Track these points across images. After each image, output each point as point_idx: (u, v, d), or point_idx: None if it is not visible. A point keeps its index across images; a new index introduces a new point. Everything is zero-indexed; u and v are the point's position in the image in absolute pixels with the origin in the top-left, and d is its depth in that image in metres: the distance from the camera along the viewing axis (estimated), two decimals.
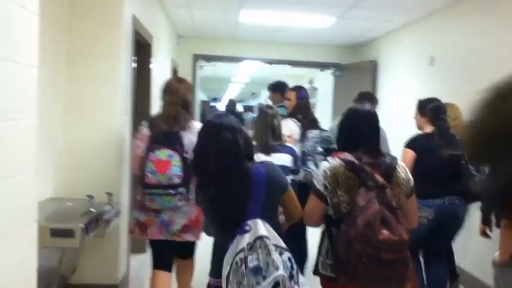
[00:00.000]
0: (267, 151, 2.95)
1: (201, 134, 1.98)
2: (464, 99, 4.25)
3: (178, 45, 7.28)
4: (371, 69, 6.80)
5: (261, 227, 1.81)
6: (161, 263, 2.81)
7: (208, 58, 7.70)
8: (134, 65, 3.82)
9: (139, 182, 2.64)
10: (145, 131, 2.75)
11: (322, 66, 8.05)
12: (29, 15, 1.74)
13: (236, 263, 1.74)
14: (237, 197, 1.88)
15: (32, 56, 1.79)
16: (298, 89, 4.12)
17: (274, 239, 1.81)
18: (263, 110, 3.17)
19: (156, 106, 4.95)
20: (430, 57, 5.11)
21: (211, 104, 20.82)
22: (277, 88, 4.83)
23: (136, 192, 2.89)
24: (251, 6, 5.27)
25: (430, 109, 3.42)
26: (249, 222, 1.82)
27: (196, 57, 7.57)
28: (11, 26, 1.60)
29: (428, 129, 3.39)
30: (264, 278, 1.69)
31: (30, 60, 1.77)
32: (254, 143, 2.67)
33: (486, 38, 4.06)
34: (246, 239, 1.78)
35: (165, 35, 5.79)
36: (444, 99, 4.72)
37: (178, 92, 2.78)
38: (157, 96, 5.00)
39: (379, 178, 1.89)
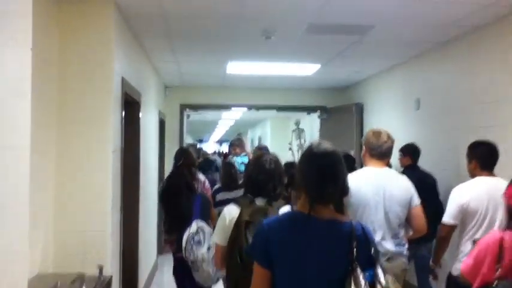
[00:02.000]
0: (229, 189, 4.25)
1: None
2: (450, 143, 4.37)
3: (165, 96, 7.30)
4: (357, 111, 6.88)
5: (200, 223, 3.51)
6: None
7: (196, 107, 7.73)
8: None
9: None
10: None
11: (308, 109, 8.14)
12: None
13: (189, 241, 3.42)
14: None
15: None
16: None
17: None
18: (225, 163, 4.93)
19: (144, 161, 4.94)
20: (416, 99, 5.18)
21: (198, 145, 20.81)
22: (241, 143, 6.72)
23: None
24: (238, 59, 5.34)
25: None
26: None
27: (184, 107, 7.59)
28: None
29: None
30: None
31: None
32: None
33: (471, 82, 4.14)
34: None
35: (152, 88, 5.81)
36: (430, 143, 4.81)
37: None
38: (145, 151, 5.05)
39: None
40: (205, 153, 11.16)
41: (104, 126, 3.29)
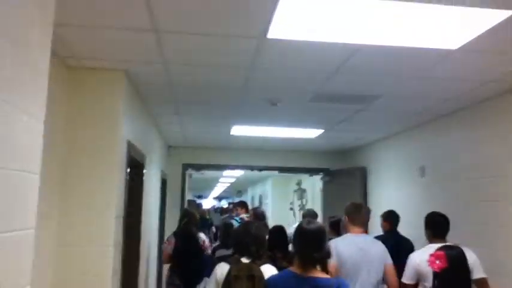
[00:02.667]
0: (227, 247, 4.34)
1: None
2: (455, 213, 4.32)
3: (168, 155, 7.32)
4: (360, 175, 6.86)
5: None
6: None
7: (198, 167, 7.73)
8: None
9: None
10: None
11: (311, 171, 8.12)
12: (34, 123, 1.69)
13: None
14: None
15: (35, 163, 1.72)
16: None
17: None
18: (224, 223, 5.49)
19: (145, 222, 4.87)
20: (421, 167, 5.17)
21: (197, 201, 20.62)
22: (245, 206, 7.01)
23: None
24: (243, 123, 5.40)
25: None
26: None
27: (186, 166, 7.59)
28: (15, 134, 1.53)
29: None
30: None
31: (34, 168, 1.70)
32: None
33: (475, 153, 4.15)
34: None
35: (156, 148, 5.83)
36: (435, 210, 4.75)
37: None
38: (147, 212, 4.99)
39: None
40: (201, 211, 11.15)
41: (108, 191, 3.26)
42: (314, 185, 9.44)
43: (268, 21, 2.43)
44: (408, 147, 5.64)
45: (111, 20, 2.51)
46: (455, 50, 2.81)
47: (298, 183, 11.02)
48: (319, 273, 2.32)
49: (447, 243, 3.26)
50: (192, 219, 5.07)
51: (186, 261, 4.79)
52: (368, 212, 3.72)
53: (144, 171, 4.56)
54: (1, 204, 1.44)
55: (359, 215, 3.48)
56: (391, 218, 4.72)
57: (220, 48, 2.91)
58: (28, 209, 1.70)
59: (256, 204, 16.83)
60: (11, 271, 1.55)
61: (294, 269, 2.38)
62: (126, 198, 3.67)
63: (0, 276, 1.46)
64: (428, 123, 5.03)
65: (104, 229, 3.23)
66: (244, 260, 2.83)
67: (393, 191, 5.94)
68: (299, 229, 2.45)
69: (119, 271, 3.47)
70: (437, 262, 3.00)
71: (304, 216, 6.04)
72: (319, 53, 2.95)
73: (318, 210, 8.24)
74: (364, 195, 6.79)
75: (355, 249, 3.30)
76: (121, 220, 3.52)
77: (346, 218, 3.51)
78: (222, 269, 2.87)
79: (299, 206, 10.95)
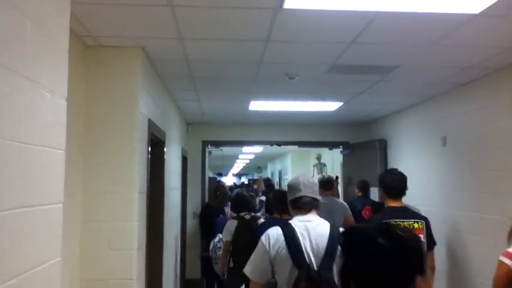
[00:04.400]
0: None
1: None
2: (476, 182, 4.29)
3: (187, 132, 7.38)
4: (380, 147, 6.81)
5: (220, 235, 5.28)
6: None
7: (217, 144, 7.79)
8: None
9: None
10: None
11: (330, 145, 8.10)
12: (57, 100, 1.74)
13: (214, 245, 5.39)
14: None
15: (60, 139, 1.78)
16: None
17: None
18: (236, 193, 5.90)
19: (168, 199, 4.96)
20: (442, 137, 5.10)
21: (218, 178, 20.84)
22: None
23: None
24: (261, 98, 5.40)
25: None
26: None
27: (205, 143, 7.65)
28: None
29: None
30: None
31: (59, 144, 1.76)
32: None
33: (498, 121, 4.07)
34: None
35: (175, 125, 5.88)
36: (457, 181, 4.73)
37: None
38: (169, 188, 5.08)
39: None
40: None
41: (130, 167, 3.31)
42: (334, 158, 9.42)
43: None
44: (428, 118, 5.56)
45: None
46: (476, 14, 2.74)
47: (318, 158, 11.01)
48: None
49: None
50: (224, 192, 7.34)
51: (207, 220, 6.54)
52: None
53: (165, 148, 4.62)
54: (30, 180, 1.49)
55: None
56: (362, 187, 6.13)
57: (236, 21, 2.89)
58: (55, 184, 1.75)
59: (276, 180, 16.98)
60: (42, 243, 1.62)
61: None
62: (148, 175, 3.74)
63: (33, 248, 1.53)
64: (448, 93, 4.94)
65: (128, 205, 3.30)
66: (245, 215, 4.68)
67: (414, 162, 5.89)
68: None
69: (144, 245, 3.56)
70: (367, 213, 4.88)
71: (320, 181, 6.22)
72: (336, 23, 2.92)
73: (339, 183, 8.26)
74: (385, 167, 6.74)
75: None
76: (144, 196, 3.60)
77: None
78: (231, 223, 4.68)
79: (319, 180, 10.96)
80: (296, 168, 13.45)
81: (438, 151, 5.20)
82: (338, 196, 7.05)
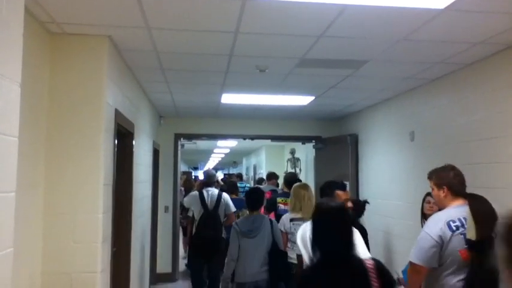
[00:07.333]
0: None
1: None
2: None
3: (160, 126, 7.29)
4: (351, 142, 6.88)
5: None
6: None
7: (190, 137, 7.73)
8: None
9: None
10: None
11: (303, 139, 8.14)
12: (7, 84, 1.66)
13: None
14: None
15: (13, 126, 1.70)
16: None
17: None
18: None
19: (138, 193, 4.89)
20: (411, 132, 5.18)
21: (193, 172, 20.75)
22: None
23: None
24: (233, 91, 5.36)
25: None
26: None
27: (178, 136, 7.58)
28: None
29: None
30: None
31: (11, 131, 1.68)
32: None
33: (465, 117, 4.15)
34: None
35: (147, 118, 5.80)
36: (423, 176, 4.79)
37: None
38: (138, 181, 5.01)
39: None
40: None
41: (94, 158, 3.24)
42: (307, 153, 9.46)
43: None
44: (397, 113, 5.63)
45: None
46: (443, 9, 2.77)
47: (292, 152, 11.04)
48: None
49: None
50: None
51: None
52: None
53: (133, 140, 4.54)
54: None
55: None
56: (274, 177, 7.77)
57: (204, 11, 2.85)
58: (7, 172, 1.69)
59: (251, 174, 17.01)
60: None
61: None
62: (114, 166, 3.67)
63: None
64: (418, 88, 5.01)
65: (93, 197, 3.23)
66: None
67: (384, 157, 5.97)
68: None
69: (110, 237, 3.50)
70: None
71: (285, 179, 6.48)
72: (304, 15, 2.90)
73: (311, 178, 8.31)
74: (356, 161, 6.82)
75: None
76: (110, 188, 3.53)
77: None
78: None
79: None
80: (270, 163, 13.47)
81: (407, 145, 5.28)
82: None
